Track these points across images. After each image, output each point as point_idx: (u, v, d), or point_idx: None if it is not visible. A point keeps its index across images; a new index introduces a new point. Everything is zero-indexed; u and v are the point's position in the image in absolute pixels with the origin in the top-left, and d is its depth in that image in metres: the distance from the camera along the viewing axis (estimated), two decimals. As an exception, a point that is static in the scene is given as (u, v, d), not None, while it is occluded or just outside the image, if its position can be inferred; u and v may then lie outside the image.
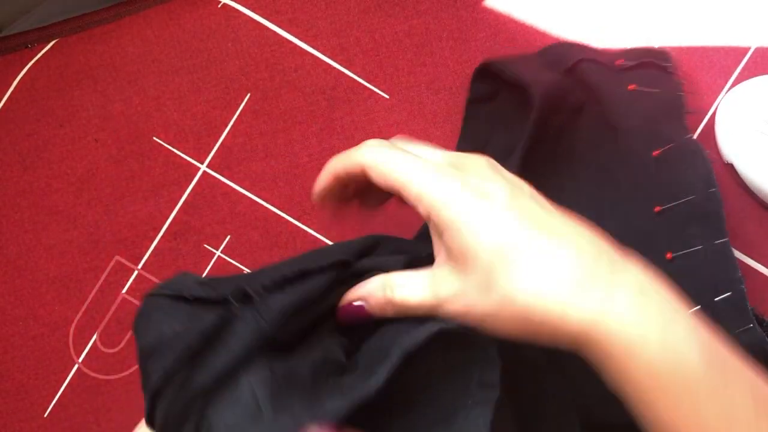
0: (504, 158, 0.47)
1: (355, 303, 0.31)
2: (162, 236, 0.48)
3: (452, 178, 0.28)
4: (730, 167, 0.46)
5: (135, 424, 0.44)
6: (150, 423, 0.30)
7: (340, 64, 0.49)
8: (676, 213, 0.42)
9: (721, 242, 0.41)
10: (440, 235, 0.28)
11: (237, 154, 0.49)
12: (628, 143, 0.43)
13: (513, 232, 0.26)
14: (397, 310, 0.30)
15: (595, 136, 0.45)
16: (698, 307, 0.40)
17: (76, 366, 0.48)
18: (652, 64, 0.45)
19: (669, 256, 0.41)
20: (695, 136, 0.47)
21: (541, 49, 0.47)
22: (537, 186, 0.46)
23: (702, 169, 0.42)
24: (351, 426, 0.28)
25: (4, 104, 0.49)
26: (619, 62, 0.45)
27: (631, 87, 0.43)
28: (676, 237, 0.42)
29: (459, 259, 0.27)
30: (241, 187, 0.49)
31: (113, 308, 0.48)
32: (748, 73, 0.47)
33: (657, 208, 0.42)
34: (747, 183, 0.46)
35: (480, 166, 0.29)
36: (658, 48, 0.47)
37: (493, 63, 0.46)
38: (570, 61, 0.45)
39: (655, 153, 0.42)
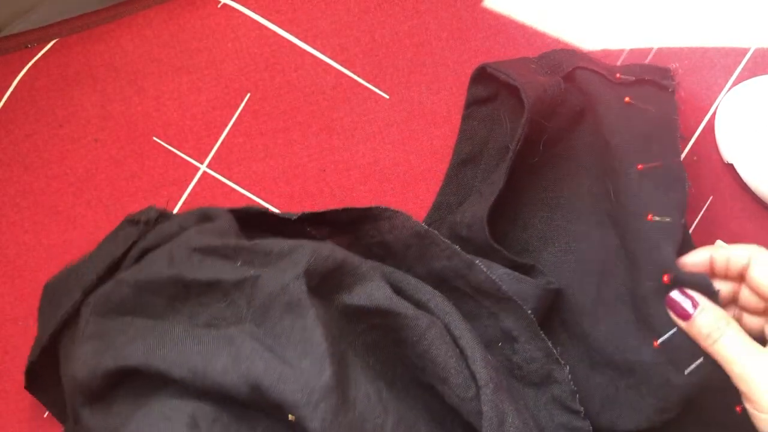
0: (501, 159, 0.47)
1: (685, 306, 0.35)
2: (162, 236, 0.48)
3: None
4: (730, 167, 0.47)
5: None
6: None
7: (340, 64, 0.49)
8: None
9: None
10: None
11: (237, 154, 0.49)
12: (618, 156, 0.43)
13: None
14: (712, 353, 0.34)
15: (594, 141, 0.45)
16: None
17: (75, 366, 0.48)
18: (651, 82, 0.44)
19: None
20: (695, 137, 0.47)
21: (540, 54, 0.47)
22: (537, 188, 0.46)
23: (680, 195, 0.41)
24: None
25: (4, 104, 0.49)
26: (618, 76, 0.44)
27: (627, 100, 0.43)
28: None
29: None
30: (241, 187, 0.49)
31: (113, 308, 0.48)
32: (748, 73, 0.47)
33: (649, 217, 0.41)
34: (747, 183, 0.46)
35: None
36: (660, 66, 0.46)
37: (489, 66, 0.46)
38: (568, 67, 0.45)
39: (640, 167, 0.42)
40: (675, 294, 0.36)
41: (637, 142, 0.42)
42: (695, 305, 0.35)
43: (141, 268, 0.39)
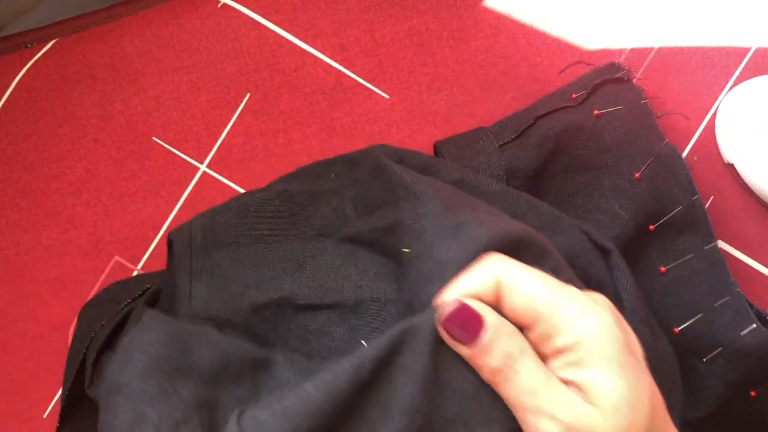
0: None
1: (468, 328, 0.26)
2: (162, 236, 0.48)
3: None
4: (731, 167, 0.47)
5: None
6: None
7: (340, 64, 0.49)
8: (666, 226, 0.42)
9: (710, 247, 0.41)
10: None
11: (237, 154, 0.49)
12: (609, 173, 0.42)
13: None
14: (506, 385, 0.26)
15: (577, 179, 0.44)
16: (701, 315, 0.40)
17: (75, 366, 0.48)
18: (606, 82, 0.44)
19: (663, 270, 0.41)
20: (695, 137, 0.47)
21: (496, 121, 0.45)
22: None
23: (683, 178, 0.41)
24: None
25: (3, 104, 0.49)
26: (575, 96, 0.43)
27: (596, 113, 0.42)
28: (667, 249, 0.42)
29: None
30: (241, 187, 0.49)
31: (113, 308, 0.48)
32: (748, 73, 0.47)
33: (651, 227, 0.42)
34: (747, 183, 0.46)
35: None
36: (607, 64, 0.45)
37: (438, 147, 0.46)
38: (528, 122, 0.43)
39: (637, 175, 0.41)
40: (455, 311, 0.26)
41: (622, 149, 0.42)
42: (481, 327, 0.26)
43: (240, 197, 0.39)
